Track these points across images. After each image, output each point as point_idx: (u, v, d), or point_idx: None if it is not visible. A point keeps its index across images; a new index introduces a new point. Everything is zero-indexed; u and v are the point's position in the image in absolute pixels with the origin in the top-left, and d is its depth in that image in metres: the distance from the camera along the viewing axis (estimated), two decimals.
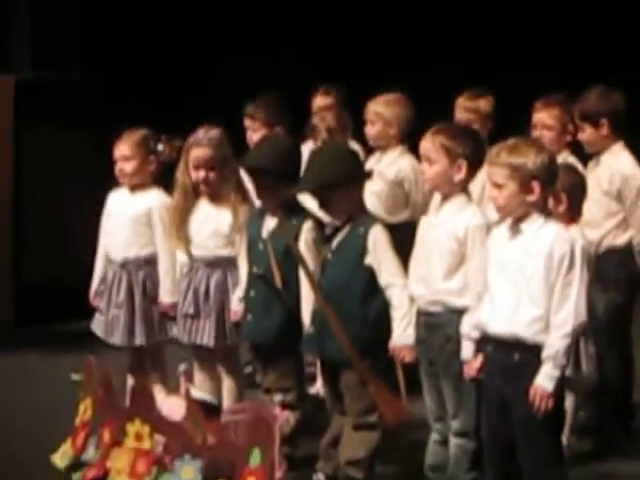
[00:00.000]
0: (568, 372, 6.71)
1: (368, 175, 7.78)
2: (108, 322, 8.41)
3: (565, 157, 8.18)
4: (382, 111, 9.02)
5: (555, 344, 6.46)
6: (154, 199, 8.38)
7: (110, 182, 8.56)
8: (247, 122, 9.28)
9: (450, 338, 6.98)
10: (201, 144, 8.13)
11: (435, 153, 7.12)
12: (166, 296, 8.28)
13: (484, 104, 9.06)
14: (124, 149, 8.37)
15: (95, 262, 8.59)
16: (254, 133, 9.11)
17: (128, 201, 8.45)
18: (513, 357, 6.61)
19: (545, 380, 6.46)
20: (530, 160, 6.57)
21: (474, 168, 7.03)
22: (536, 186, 6.56)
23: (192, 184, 8.15)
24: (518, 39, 14.68)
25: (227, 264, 8.11)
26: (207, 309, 8.11)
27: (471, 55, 12.89)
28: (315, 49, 14.46)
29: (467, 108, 9.03)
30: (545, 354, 6.48)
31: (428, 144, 7.19)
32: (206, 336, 8.10)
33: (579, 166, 8.28)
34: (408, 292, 7.27)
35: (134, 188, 8.41)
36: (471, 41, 14.41)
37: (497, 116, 9.03)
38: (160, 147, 8.42)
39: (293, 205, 7.79)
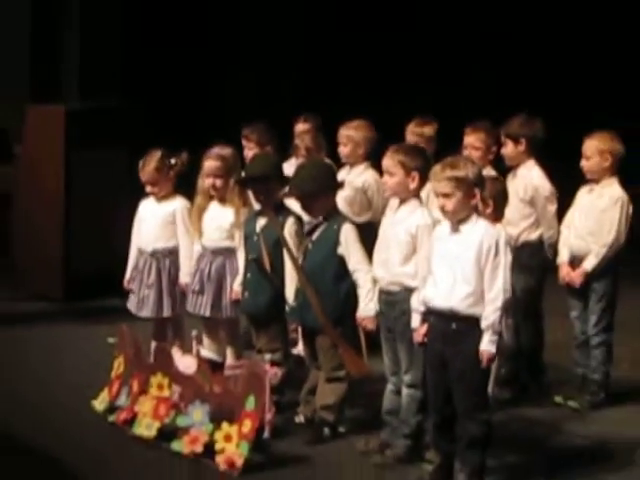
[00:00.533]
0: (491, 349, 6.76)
1: (340, 185, 7.80)
2: (139, 300, 8.38)
3: (488, 171, 8.13)
4: (352, 134, 8.98)
5: (491, 316, 6.50)
6: (177, 204, 8.35)
7: (141, 192, 8.51)
8: (244, 142, 9.27)
9: (405, 311, 6.95)
10: (211, 157, 8.11)
11: (394, 167, 7.13)
12: (185, 277, 8.23)
13: (428, 129, 9.03)
14: (147, 176, 8.35)
15: (128, 254, 8.55)
16: (249, 151, 9.12)
17: (156, 206, 8.41)
18: (451, 326, 6.62)
19: (488, 345, 6.52)
20: (470, 172, 6.61)
21: (424, 179, 7.01)
22: (477, 192, 6.60)
23: (207, 190, 8.13)
24: (454, 80, 14.67)
25: (226, 253, 8.08)
26: (208, 287, 8.07)
27: (419, 93, 12.80)
28: (299, 88, 14.48)
29: (415, 133, 9.00)
30: (484, 325, 6.52)
31: (389, 160, 7.19)
32: (205, 308, 8.08)
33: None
34: (371, 275, 7.27)
35: (160, 198, 8.37)
36: (419, 84, 14.38)
37: (438, 139, 8.96)
38: (173, 161, 8.38)
39: (279, 206, 7.80)
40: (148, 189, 8.39)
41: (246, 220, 7.93)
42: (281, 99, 14.27)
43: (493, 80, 14.61)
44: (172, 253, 8.34)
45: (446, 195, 6.60)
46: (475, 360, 6.60)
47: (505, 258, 6.60)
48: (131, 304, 8.47)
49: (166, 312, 8.35)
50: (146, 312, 8.38)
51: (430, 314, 6.73)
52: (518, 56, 15.33)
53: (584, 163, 8.15)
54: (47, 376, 8.65)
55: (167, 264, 8.33)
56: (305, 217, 7.79)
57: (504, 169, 8.41)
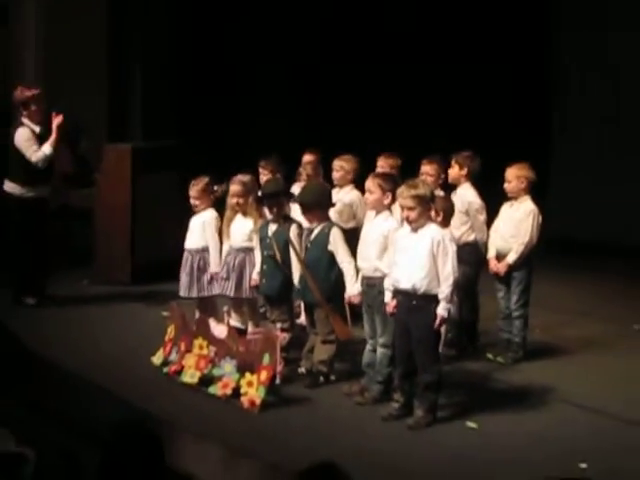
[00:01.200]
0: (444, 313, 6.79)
1: (333, 203, 7.84)
2: (186, 284, 8.26)
3: (438, 192, 8.10)
4: (344, 165, 8.97)
5: (445, 290, 6.56)
6: (207, 215, 8.26)
7: (190, 210, 8.44)
8: (260, 169, 9.15)
9: (381, 291, 6.93)
10: (235, 182, 8.07)
11: (374, 188, 7.16)
12: (213, 268, 8.15)
13: (392, 161, 8.95)
14: (194, 194, 8.27)
15: (179, 250, 8.44)
16: (264, 176, 8.98)
17: (195, 217, 8.33)
18: (412, 302, 6.61)
19: (442, 311, 6.60)
20: (426, 192, 6.65)
21: (394, 197, 7.00)
22: (431, 206, 6.66)
23: (233, 206, 8.08)
24: (413, 124, 14.59)
25: (246, 250, 7.99)
26: (232, 275, 8.00)
27: (387, 136, 12.67)
28: (303, 129, 14.44)
29: (384, 164, 8.90)
30: (441, 297, 6.56)
31: (370, 183, 7.23)
32: (230, 290, 8.01)
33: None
34: (353, 265, 7.27)
35: (199, 211, 8.30)
36: (387, 129, 14.30)
37: (402, 168, 8.91)
38: (216, 187, 8.32)
39: (286, 216, 7.80)
40: (192, 202, 8.29)
41: (260, 227, 7.87)
42: (288, 139, 14.22)
43: (442, 128, 14.44)
44: (202, 251, 8.22)
45: (410, 208, 6.62)
46: (430, 327, 6.60)
47: (451, 249, 6.64)
48: (181, 287, 8.37)
49: (195, 294, 8.24)
50: (182, 292, 8.29)
51: (397, 293, 6.72)
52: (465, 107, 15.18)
53: (506, 185, 8.15)
54: (119, 339, 8.59)
55: (197, 259, 8.22)
56: (305, 224, 7.75)
57: (448, 189, 8.38)
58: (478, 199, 8.29)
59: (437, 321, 6.59)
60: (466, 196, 8.25)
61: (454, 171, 8.34)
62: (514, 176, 8.09)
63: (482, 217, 8.27)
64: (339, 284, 7.32)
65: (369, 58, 15.76)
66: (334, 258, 7.34)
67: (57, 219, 11.53)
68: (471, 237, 8.21)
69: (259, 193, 8.00)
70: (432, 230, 6.68)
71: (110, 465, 4.00)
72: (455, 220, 7.94)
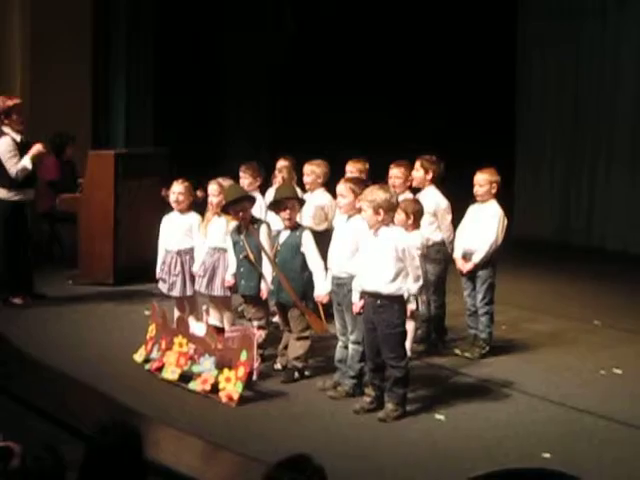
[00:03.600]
0: (414, 307, 6.90)
1: (302, 201, 7.82)
2: (170, 284, 8.20)
3: (406, 194, 8.15)
4: (314, 169, 8.92)
5: (413, 287, 6.62)
6: (193, 217, 8.23)
7: (165, 209, 8.43)
8: (241, 174, 9.05)
9: (350, 290, 6.94)
10: (212, 183, 8.09)
11: (346, 192, 7.15)
12: (195, 267, 8.11)
13: (360, 166, 8.94)
14: (180, 189, 8.20)
15: (158, 252, 8.40)
16: (244, 181, 8.91)
17: (179, 218, 8.27)
18: (377, 302, 6.63)
19: (412, 304, 6.79)
20: (378, 197, 6.61)
21: None
22: (382, 212, 6.59)
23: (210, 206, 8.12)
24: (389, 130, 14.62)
25: (220, 250, 7.93)
26: (207, 273, 7.97)
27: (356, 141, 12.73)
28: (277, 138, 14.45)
29: (353, 168, 8.86)
30: (412, 293, 6.68)
31: (342, 187, 7.22)
32: (202, 287, 7.98)
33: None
34: (322, 266, 7.30)
35: (182, 211, 8.24)
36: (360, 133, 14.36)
37: (370, 172, 8.92)
38: (198, 193, 8.36)
39: (254, 218, 7.74)
40: (175, 198, 8.21)
41: (232, 231, 7.78)
42: (265, 146, 14.29)
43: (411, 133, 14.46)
44: (190, 251, 8.21)
45: (365, 212, 6.65)
46: (394, 326, 6.63)
47: (415, 251, 6.77)
48: (162, 287, 8.32)
49: (189, 292, 8.21)
50: (175, 292, 8.23)
51: (364, 293, 6.73)
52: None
53: (477, 189, 8.13)
54: (102, 337, 8.58)
55: (187, 259, 8.22)
56: (274, 226, 7.74)
57: (413, 191, 8.41)
58: (445, 200, 8.33)
59: (408, 314, 6.71)
60: (433, 198, 8.28)
61: (420, 175, 8.35)
62: (486, 181, 8.08)
63: (448, 217, 8.32)
64: (311, 284, 7.35)
65: (339, 59, 15.80)
66: (305, 260, 7.36)
67: (43, 222, 11.58)
68: (439, 237, 8.24)
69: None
70: (395, 234, 6.68)
71: (93, 460, 4.02)
72: (423, 221, 7.99)
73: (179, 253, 8.22)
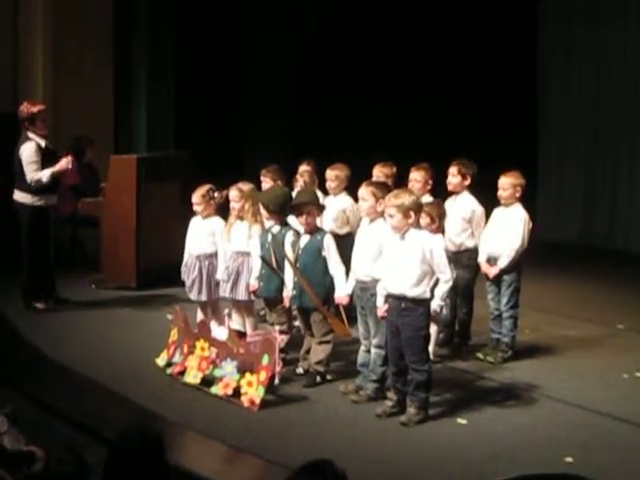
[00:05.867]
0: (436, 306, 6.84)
1: (323, 206, 7.78)
2: (187, 287, 8.27)
3: (426, 198, 8.12)
4: (338, 174, 8.93)
5: (442, 288, 6.70)
6: (216, 222, 8.24)
7: (190, 212, 8.43)
8: (262, 178, 9.10)
9: (373, 294, 6.94)
10: (232, 189, 8.08)
11: (367, 195, 7.14)
12: (219, 274, 8.13)
13: (387, 170, 8.92)
14: (195, 199, 8.26)
15: (183, 255, 8.42)
16: (265, 185, 8.95)
17: (200, 223, 8.30)
18: (402, 305, 6.62)
19: (437, 306, 6.75)
20: (405, 200, 6.62)
21: None
22: (412, 214, 6.60)
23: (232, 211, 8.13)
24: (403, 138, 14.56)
25: (244, 255, 7.97)
26: (230, 277, 8.00)
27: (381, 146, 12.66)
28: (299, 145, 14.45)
29: (380, 172, 8.85)
30: (437, 294, 6.68)
31: (364, 190, 7.20)
32: (226, 292, 8.03)
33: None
34: (343, 270, 7.32)
35: (204, 217, 8.26)
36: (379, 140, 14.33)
37: (397, 176, 8.91)
38: (216, 194, 8.31)
39: (283, 223, 7.75)
40: (195, 208, 8.28)
41: (262, 233, 7.83)
42: (287, 148, 14.28)
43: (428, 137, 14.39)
44: (212, 256, 8.20)
45: (391, 215, 6.65)
46: (418, 329, 6.62)
47: (444, 253, 6.77)
48: (188, 290, 8.35)
49: (203, 297, 8.22)
50: (191, 296, 8.29)
51: (389, 296, 6.73)
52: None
53: (501, 193, 8.09)
54: (125, 341, 8.62)
55: (206, 264, 8.22)
56: (300, 230, 7.70)
57: (443, 195, 8.33)
58: (480, 207, 8.28)
59: (433, 313, 6.74)
60: (470, 204, 8.24)
61: (456, 181, 8.29)
62: (510, 185, 8.04)
63: (483, 224, 8.26)
64: (333, 287, 7.35)
65: (358, 63, 15.77)
66: (327, 264, 7.36)
67: (65, 226, 11.63)
68: (472, 243, 8.21)
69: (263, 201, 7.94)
70: (422, 237, 6.68)
71: (115, 464, 4.03)
72: (456, 227, 8.01)
73: (198, 258, 8.24)
